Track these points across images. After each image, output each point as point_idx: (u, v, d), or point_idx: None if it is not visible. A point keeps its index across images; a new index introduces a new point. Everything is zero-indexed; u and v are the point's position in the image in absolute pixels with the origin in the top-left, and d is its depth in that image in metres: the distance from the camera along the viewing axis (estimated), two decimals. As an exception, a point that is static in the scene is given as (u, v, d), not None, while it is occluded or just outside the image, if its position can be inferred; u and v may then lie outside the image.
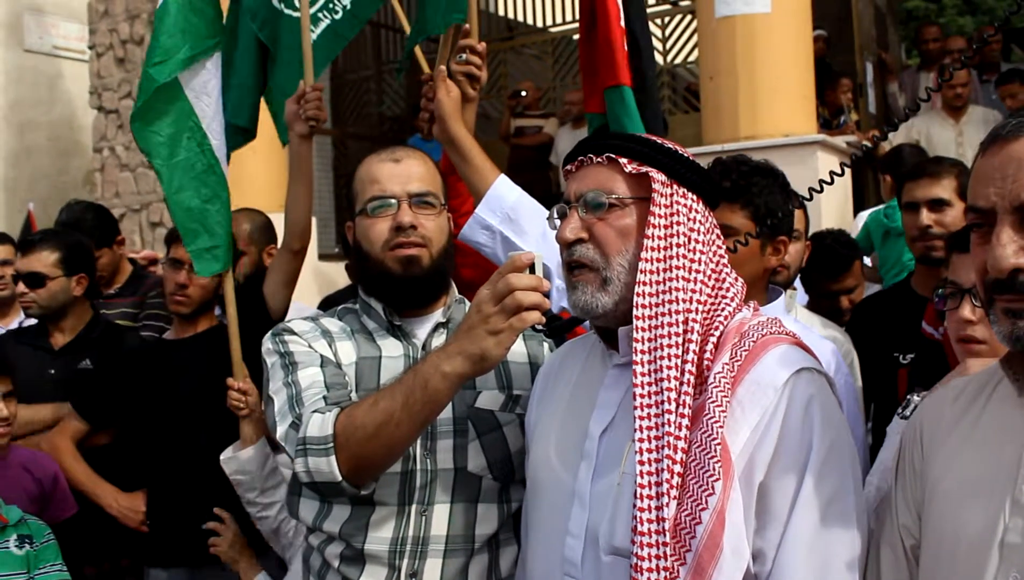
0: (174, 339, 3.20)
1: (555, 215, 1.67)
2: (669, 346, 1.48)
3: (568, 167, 1.69)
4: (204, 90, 2.88)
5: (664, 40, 8.14)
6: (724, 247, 1.64)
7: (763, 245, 2.28)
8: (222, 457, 2.72)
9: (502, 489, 1.92)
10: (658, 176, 1.58)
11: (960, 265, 1.89)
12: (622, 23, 2.62)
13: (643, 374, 1.49)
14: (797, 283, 3.53)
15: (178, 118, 2.88)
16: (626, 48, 2.63)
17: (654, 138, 1.66)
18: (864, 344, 2.92)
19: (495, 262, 2.38)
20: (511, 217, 2.35)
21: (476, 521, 1.88)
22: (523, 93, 8.19)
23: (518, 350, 2.02)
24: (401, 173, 1.98)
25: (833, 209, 5.37)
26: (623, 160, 1.60)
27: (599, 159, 1.62)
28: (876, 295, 3.57)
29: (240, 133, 3.19)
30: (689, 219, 1.58)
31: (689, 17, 7.85)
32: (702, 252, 1.57)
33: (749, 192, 2.25)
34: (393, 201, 1.96)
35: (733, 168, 2.30)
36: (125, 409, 3.16)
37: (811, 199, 2.01)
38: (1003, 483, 1.31)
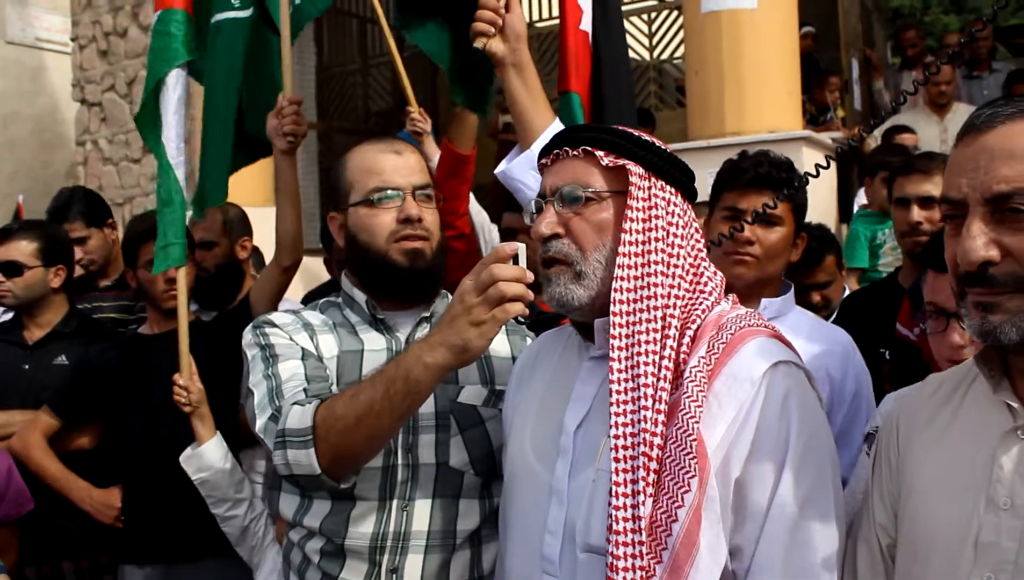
0: (151, 334, 3.17)
1: (531, 210, 1.64)
2: (647, 342, 1.46)
3: (543, 160, 1.66)
4: (166, 101, 2.99)
5: (650, 35, 8.13)
6: (703, 241, 1.62)
7: (795, 240, 2.26)
8: (182, 458, 2.67)
9: (484, 485, 1.91)
10: (635, 169, 1.55)
11: (937, 286, 1.80)
12: (584, 27, 2.52)
13: (620, 370, 1.46)
14: None
15: (154, 135, 3.04)
16: (590, 54, 2.52)
17: (631, 130, 1.63)
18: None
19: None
20: None
21: (458, 517, 1.87)
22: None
23: (502, 345, 2.01)
24: (404, 165, 1.98)
25: (819, 205, 5.37)
26: (599, 153, 1.57)
27: (575, 152, 1.59)
28: (864, 290, 3.57)
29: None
30: (667, 213, 1.55)
31: (676, 12, 7.84)
32: (680, 246, 1.55)
33: (794, 185, 2.23)
34: (399, 193, 1.94)
35: (771, 159, 2.29)
36: (100, 405, 3.12)
37: (796, 192, 2.01)
38: (978, 481, 1.30)
